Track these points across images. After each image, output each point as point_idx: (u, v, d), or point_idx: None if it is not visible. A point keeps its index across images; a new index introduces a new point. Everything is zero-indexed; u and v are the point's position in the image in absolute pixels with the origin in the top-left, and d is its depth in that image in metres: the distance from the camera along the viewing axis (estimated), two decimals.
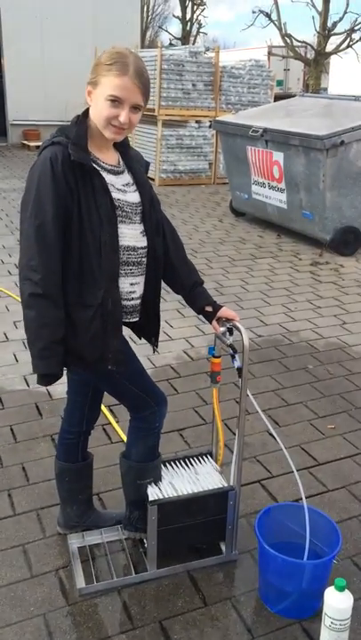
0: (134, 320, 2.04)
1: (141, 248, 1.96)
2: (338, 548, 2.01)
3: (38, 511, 2.50)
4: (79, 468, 2.29)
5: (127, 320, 2.01)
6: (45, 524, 2.43)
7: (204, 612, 2.06)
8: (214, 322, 2.10)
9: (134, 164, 1.99)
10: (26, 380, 3.55)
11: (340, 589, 1.83)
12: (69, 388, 2.21)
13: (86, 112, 1.85)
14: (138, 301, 2.01)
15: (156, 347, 2.21)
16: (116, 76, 1.73)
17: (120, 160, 1.95)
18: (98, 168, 1.84)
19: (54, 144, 1.78)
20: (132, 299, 1.98)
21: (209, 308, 2.10)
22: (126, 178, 1.94)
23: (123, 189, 1.90)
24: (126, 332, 2.05)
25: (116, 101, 1.76)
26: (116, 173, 1.91)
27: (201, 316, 2.17)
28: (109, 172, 1.88)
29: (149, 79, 1.84)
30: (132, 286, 1.96)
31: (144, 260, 1.98)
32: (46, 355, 1.83)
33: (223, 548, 2.26)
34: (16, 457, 2.85)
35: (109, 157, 1.91)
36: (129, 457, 2.17)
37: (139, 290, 1.99)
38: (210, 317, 2.11)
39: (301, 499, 2.13)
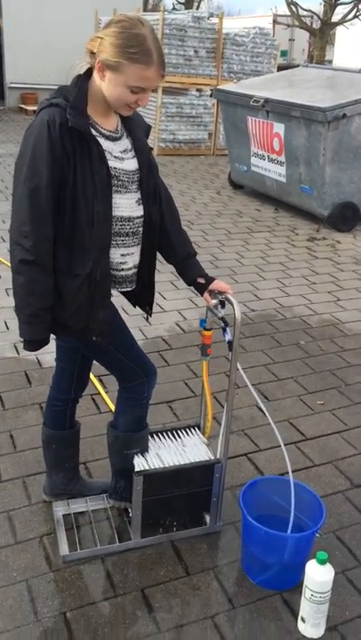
0: (127, 289, 2.01)
1: (137, 218, 1.91)
2: (321, 522, 2.02)
3: (24, 478, 2.50)
4: (66, 435, 2.28)
5: (119, 289, 1.97)
6: (31, 492, 2.43)
7: (185, 582, 2.07)
8: (206, 294, 2.07)
9: (135, 128, 1.93)
10: (16, 347, 3.52)
11: (322, 563, 1.85)
12: (58, 354, 2.19)
13: (87, 72, 1.77)
14: (130, 272, 1.97)
15: (150, 315, 2.19)
16: (141, 69, 1.67)
17: (119, 124, 1.88)
18: (96, 134, 1.78)
19: (52, 105, 1.71)
20: (123, 269, 1.94)
21: (201, 280, 2.07)
22: (125, 143, 1.88)
23: (120, 157, 1.84)
24: (118, 301, 2.01)
25: (138, 91, 1.70)
26: (115, 139, 1.84)
27: (193, 289, 2.14)
28: (107, 137, 1.82)
29: None
30: (122, 257, 1.91)
31: (140, 229, 1.93)
32: (34, 321, 1.81)
33: (208, 519, 2.27)
34: (4, 424, 2.84)
35: (109, 122, 1.84)
36: (116, 426, 2.16)
37: (131, 260, 1.95)
38: (202, 289, 2.08)
39: (288, 472, 2.13)
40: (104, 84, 1.73)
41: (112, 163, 1.80)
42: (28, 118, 12.71)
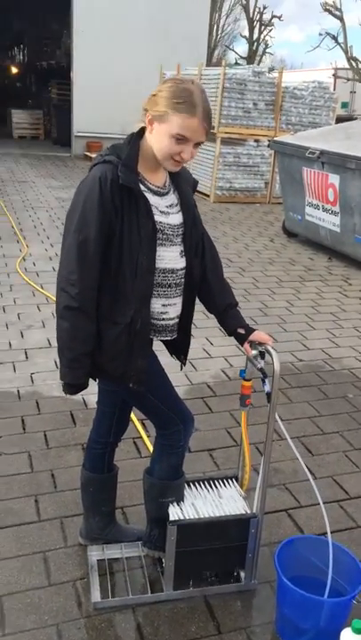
0: (167, 339, 2.05)
1: (180, 269, 1.96)
2: (360, 588, 1.93)
3: (62, 519, 2.53)
4: (104, 479, 2.30)
5: (159, 338, 2.02)
6: (68, 533, 2.45)
7: None
8: (246, 344, 2.08)
9: (182, 183, 2.00)
10: None
11: (358, 632, 1.76)
12: (99, 397, 2.23)
13: (140, 132, 1.87)
14: (172, 322, 2.01)
15: (184, 364, 2.22)
16: (185, 118, 1.74)
17: (167, 180, 1.96)
18: (144, 189, 1.86)
19: (105, 162, 1.81)
20: (164, 319, 1.98)
21: (241, 330, 2.08)
22: (171, 198, 1.95)
23: (166, 211, 1.91)
24: (159, 347, 2.05)
25: (181, 140, 1.77)
26: (162, 195, 1.92)
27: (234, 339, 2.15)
28: (155, 193, 1.90)
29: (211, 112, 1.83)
30: (164, 307, 1.96)
31: (182, 280, 1.98)
32: (75, 366, 1.87)
33: (243, 575, 2.21)
34: (46, 463, 2.89)
35: (157, 178, 1.92)
36: (152, 473, 2.17)
37: (173, 311, 1.99)
38: (242, 340, 2.09)
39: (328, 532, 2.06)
40: (152, 137, 1.82)
41: (158, 217, 1.87)
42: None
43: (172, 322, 2.01)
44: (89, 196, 1.79)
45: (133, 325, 1.87)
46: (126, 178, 1.78)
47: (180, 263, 1.96)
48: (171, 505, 2.14)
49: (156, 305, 1.94)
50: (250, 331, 2.08)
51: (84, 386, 1.93)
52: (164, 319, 1.98)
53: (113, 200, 1.78)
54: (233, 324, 2.10)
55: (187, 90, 1.74)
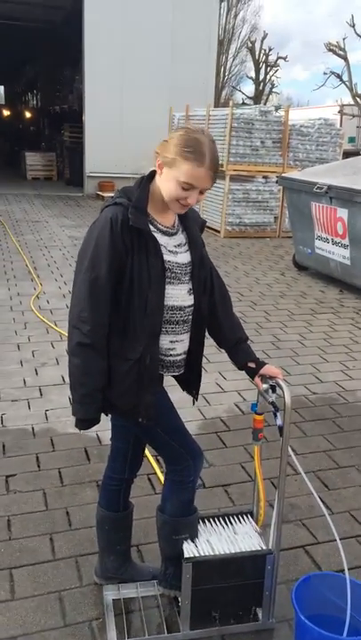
0: (174, 374, 2.08)
1: (188, 307, 2.01)
2: None
3: (77, 558, 2.51)
4: (120, 517, 2.29)
5: (167, 374, 2.05)
6: (83, 572, 2.43)
7: None
8: (257, 378, 2.11)
9: (191, 224, 2.06)
10: None
11: None
12: (112, 434, 2.25)
13: (150, 175, 1.94)
14: (179, 357, 2.05)
15: (196, 399, 2.24)
16: (193, 167, 1.81)
17: (176, 221, 2.02)
18: (154, 229, 1.92)
19: (116, 204, 1.88)
20: (171, 355, 2.02)
21: (252, 364, 2.11)
22: (179, 238, 2.01)
23: (174, 251, 1.97)
24: (171, 382, 2.07)
25: (188, 187, 1.85)
26: (171, 235, 1.98)
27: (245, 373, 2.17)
28: (164, 233, 1.96)
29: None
30: (171, 343, 2.00)
31: (190, 317, 2.03)
32: (87, 401, 1.90)
33: (260, 614, 2.17)
34: (61, 501, 2.89)
35: (166, 219, 1.98)
36: (164, 511, 2.17)
37: (180, 347, 2.03)
38: (252, 374, 2.12)
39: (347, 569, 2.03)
40: (161, 181, 1.89)
41: (167, 256, 1.93)
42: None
43: (179, 357, 2.04)
44: (101, 235, 1.85)
45: (143, 361, 1.91)
46: (136, 219, 1.84)
47: (188, 301, 2.00)
48: (185, 542, 2.13)
49: (165, 341, 1.98)
50: (260, 364, 2.11)
51: (97, 421, 1.96)
52: (171, 355, 2.02)
53: (123, 240, 1.84)
54: (243, 358, 2.13)
55: (196, 140, 1.82)
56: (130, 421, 2.04)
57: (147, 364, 1.92)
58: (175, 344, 2.01)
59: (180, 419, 2.13)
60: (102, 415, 2.00)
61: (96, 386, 1.90)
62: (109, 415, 2.08)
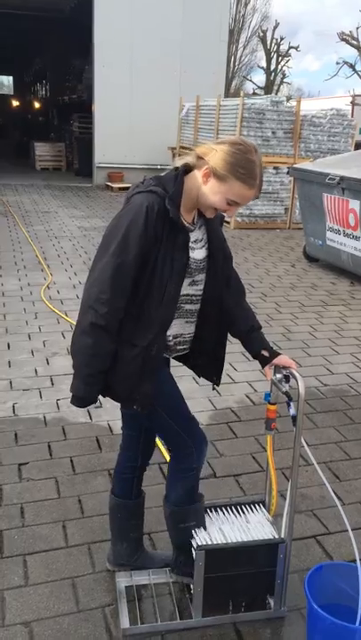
0: (167, 356, 2.10)
1: (183, 296, 2.01)
2: None
3: (90, 545, 2.54)
4: (132, 505, 2.31)
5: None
6: (96, 559, 2.46)
7: None
8: (267, 367, 2.12)
9: (211, 219, 2.05)
10: (89, 413, 3.64)
11: None
12: (124, 422, 2.27)
13: (185, 170, 1.92)
14: (172, 342, 2.06)
15: (217, 385, 2.26)
16: (243, 189, 1.85)
17: (196, 217, 2.02)
18: (184, 224, 1.93)
19: (151, 192, 1.87)
20: (167, 341, 2.04)
21: (265, 353, 2.12)
22: (196, 234, 2.02)
23: (192, 247, 1.98)
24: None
25: (233, 203, 1.88)
26: (190, 231, 1.99)
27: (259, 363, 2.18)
28: (186, 228, 1.97)
29: None
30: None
31: (182, 305, 2.03)
32: (90, 381, 1.93)
33: (272, 602, 2.19)
34: (73, 489, 2.91)
35: (189, 215, 1.99)
36: (168, 499, 2.19)
37: (171, 332, 2.03)
38: (265, 362, 2.13)
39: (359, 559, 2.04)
40: (205, 188, 1.88)
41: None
42: (112, 195, 13.55)
43: (170, 342, 2.06)
44: (134, 221, 1.84)
45: (150, 349, 1.93)
46: (174, 212, 1.85)
47: (185, 290, 2.00)
48: (198, 530, 2.14)
49: None
50: (274, 354, 2.11)
51: (94, 401, 1.99)
52: (167, 341, 2.03)
53: (156, 230, 1.85)
54: (258, 346, 2.14)
55: (250, 161, 1.83)
56: (126, 408, 2.07)
57: (152, 354, 1.94)
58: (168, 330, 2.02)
59: (186, 405, 2.14)
60: (114, 405, 2.01)
61: (102, 368, 1.92)
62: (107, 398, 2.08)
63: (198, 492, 2.20)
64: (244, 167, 1.82)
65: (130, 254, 1.84)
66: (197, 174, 1.89)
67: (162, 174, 1.95)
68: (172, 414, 2.08)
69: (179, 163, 1.93)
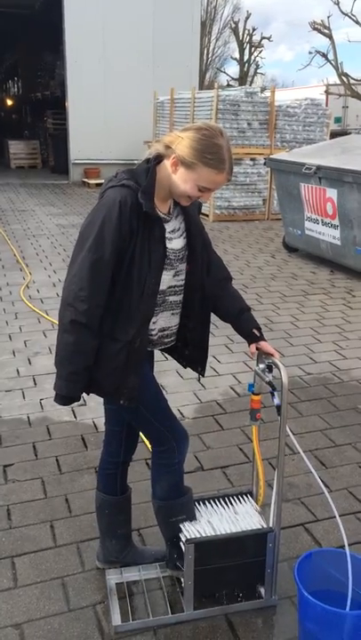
0: (151, 350, 2.11)
1: (168, 288, 2.01)
2: None
3: (79, 544, 2.52)
4: (118, 500, 2.30)
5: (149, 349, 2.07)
6: (85, 558, 2.44)
7: None
8: (253, 345, 2.12)
9: (190, 208, 2.04)
10: (73, 411, 3.61)
11: None
12: (106, 417, 2.26)
13: (157, 161, 1.90)
14: (155, 337, 2.06)
15: (202, 375, 2.26)
16: (213, 174, 1.83)
17: (172, 207, 2.01)
18: (159, 216, 1.91)
19: (124, 186, 1.85)
20: (151, 335, 2.03)
21: (256, 332, 2.13)
22: (173, 224, 2.01)
23: (169, 237, 1.97)
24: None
25: (205, 190, 1.86)
26: (166, 221, 1.98)
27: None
28: (162, 220, 1.95)
29: None
30: (151, 324, 2.01)
31: (168, 298, 2.03)
32: (74, 379, 1.91)
33: (263, 591, 2.19)
34: (60, 488, 2.89)
35: (165, 206, 1.98)
36: (155, 495, 2.19)
37: (157, 326, 2.04)
38: (252, 340, 2.13)
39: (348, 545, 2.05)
40: (174, 177, 1.87)
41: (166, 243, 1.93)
42: (89, 191, 13.45)
43: (156, 336, 2.06)
44: (108, 217, 1.83)
45: (133, 343, 1.92)
46: (147, 205, 1.83)
47: (171, 282, 2.01)
48: (186, 523, 2.14)
49: None
50: (261, 337, 2.13)
51: (78, 399, 1.97)
52: (150, 334, 2.03)
53: (130, 224, 1.83)
54: (247, 326, 2.15)
55: (217, 145, 1.81)
56: (112, 403, 2.06)
57: (136, 347, 1.93)
58: (153, 324, 2.03)
59: (166, 400, 2.15)
60: (98, 402, 1.99)
61: (85, 365, 1.90)
62: (91, 396, 2.07)
63: (184, 485, 2.20)
64: (211, 152, 1.80)
65: (106, 250, 1.82)
66: (167, 163, 1.87)
67: (134, 167, 1.93)
68: (153, 411, 2.07)
69: (148, 153, 1.92)
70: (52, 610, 2.19)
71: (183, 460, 2.16)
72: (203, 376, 2.27)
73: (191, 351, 2.18)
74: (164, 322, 2.05)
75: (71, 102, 14.57)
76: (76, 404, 3.04)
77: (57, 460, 3.12)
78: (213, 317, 2.24)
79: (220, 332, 2.29)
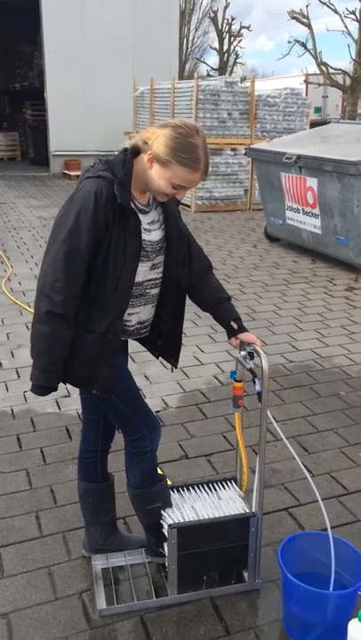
0: (126, 339, 2.12)
1: (147, 281, 2.02)
2: None
3: (64, 533, 2.53)
4: (100, 488, 2.31)
5: (121, 337, 2.07)
6: (71, 547, 2.45)
7: None
8: (233, 338, 2.14)
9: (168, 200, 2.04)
10: (57, 403, 3.61)
11: None
12: (82, 406, 2.27)
13: (134, 153, 1.89)
14: (132, 328, 2.08)
15: (175, 367, 2.27)
16: (187, 173, 1.82)
17: (151, 199, 2.01)
18: (133, 207, 1.91)
19: (100, 177, 1.85)
20: (126, 325, 2.05)
21: (234, 325, 2.14)
22: (152, 215, 2.01)
23: (148, 228, 1.97)
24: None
25: (179, 188, 1.86)
26: (145, 213, 1.98)
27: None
28: (140, 211, 1.95)
29: None
30: (128, 315, 2.03)
31: (147, 291, 2.04)
32: (51, 369, 1.91)
33: (246, 575, 2.23)
34: (45, 479, 2.90)
35: (143, 197, 1.98)
36: (129, 484, 2.21)
37: (135, 318, 2.06)
38: (232, 334, 2.15)
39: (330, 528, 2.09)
40: (150, 173, 1.86)
41: (142, 235, 1.93)
42: (70, 183, 13.35)
43: (132, 328, 2.07)
44: (83, 208, 1.82)
45: (107, 335, 1.92)
46: (123, 197, 1.83)
47: (148, 275, 2.02)
48: (170, 510, 2.16)
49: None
50: (241, 328, 2.14)
51: (55, 389, 1.97)
52: (126, 325, 2.05)
53: (106, 216, 1.83)
54: (226, 315, 2.16)
55: (192, 144, 1.80)
56: (85, 392, 2.08)
57: (109, 339, 1.93)
58: (131, 316, 2.04)
59: (138, 390, 2.17)
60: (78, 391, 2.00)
61: (62, 355, 1.91)
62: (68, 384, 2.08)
63: (157, 472, 2.22)
64: (185, 152, 1.79)
65: (82, 241, 1.82)
66: (145, 158, 1.87)
67: (112, 158, 1.93)
68: (126, 401, 2.09)
69: (127, 143, 1.91)
70: (39, 599, 2.21)
71: (155, 448, 2.18)
72: (175, 367, 2.28)
73: (165, 342, 2.19)
74: (145, 314, 2.07)
75: (50, 93, 14.41)
76: (59, 395, 3.05)
77: (41, 452, 3.13)
78: (196, 308, 2.25)
79: (204, 322, 2.30)
